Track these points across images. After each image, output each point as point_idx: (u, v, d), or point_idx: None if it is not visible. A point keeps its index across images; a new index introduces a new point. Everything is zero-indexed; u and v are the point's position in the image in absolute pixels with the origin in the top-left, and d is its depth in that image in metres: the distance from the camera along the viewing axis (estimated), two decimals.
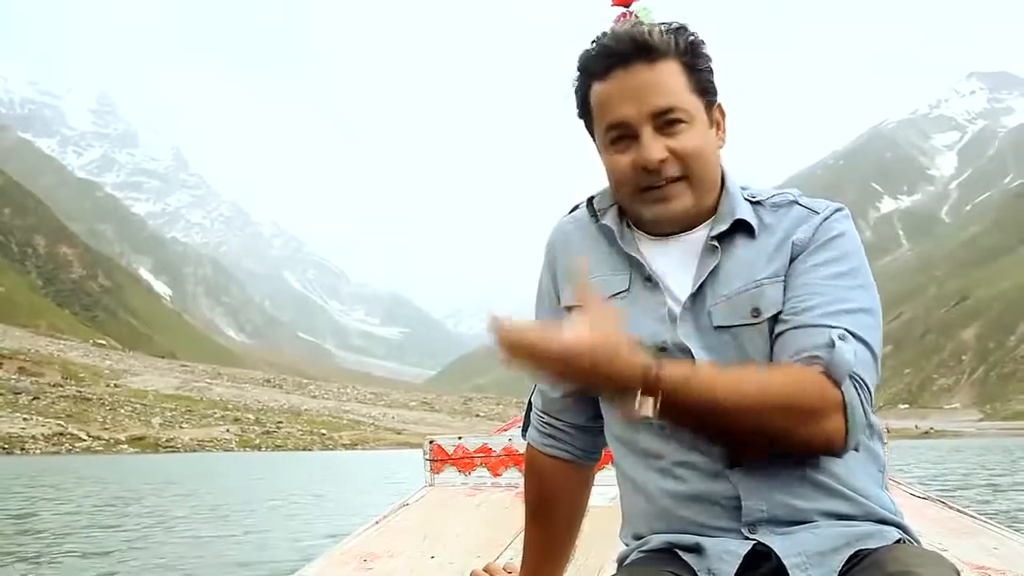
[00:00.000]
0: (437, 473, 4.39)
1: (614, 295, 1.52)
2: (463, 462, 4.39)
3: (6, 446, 74.52)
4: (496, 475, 4.35)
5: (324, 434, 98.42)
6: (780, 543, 1.34)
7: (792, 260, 1.45)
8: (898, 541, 1.40)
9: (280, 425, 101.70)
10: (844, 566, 1.32)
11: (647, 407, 1.28)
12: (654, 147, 1.44)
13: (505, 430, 4.75)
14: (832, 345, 1.35)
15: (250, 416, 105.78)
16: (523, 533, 1.77)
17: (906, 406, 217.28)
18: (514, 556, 2.06)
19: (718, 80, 1.49)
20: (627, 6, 1.58)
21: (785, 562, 1.32)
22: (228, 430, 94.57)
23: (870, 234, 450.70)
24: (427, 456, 4.42)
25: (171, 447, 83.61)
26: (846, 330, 1.37)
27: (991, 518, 3.21)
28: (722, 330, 1.44)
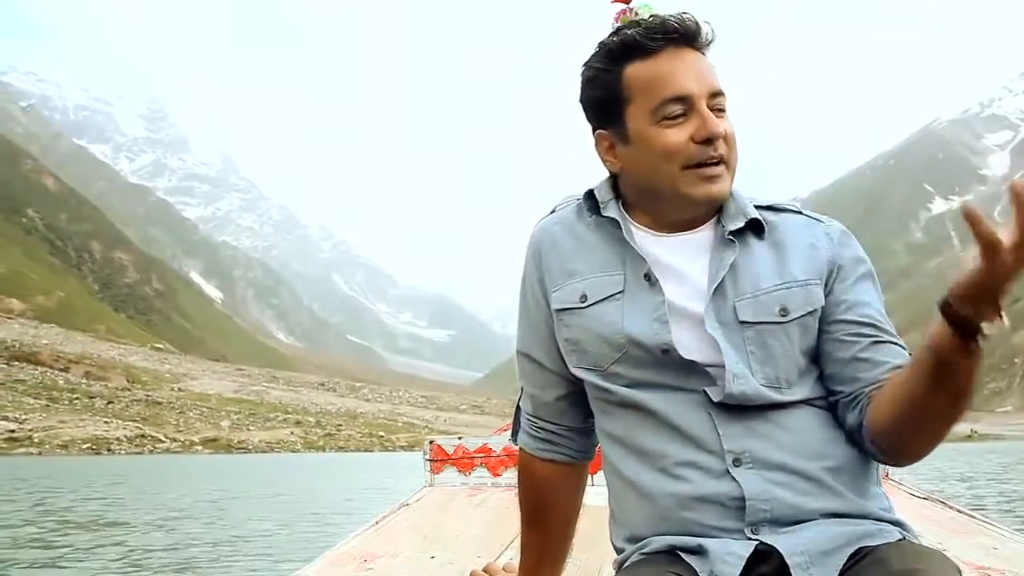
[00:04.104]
0: (437, 473, 4.38)
1: (610, 296, 1.49)
2: (463, 462, 4.37)
3: (94, 447, 78.48)
4: (496, 475, 4.34)
5: (383, 436, 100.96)
6: (783, 542, 1.34)
7: (832, 271, 1.48)
8: (898, 540, 1.39)
9: (340, 428, 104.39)
10: (845, 564, 1.32)
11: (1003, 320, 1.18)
12: (718, 120, 1.44)
13: (505, 430, 4.60)
14: None
15: (310, 419, 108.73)
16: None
17: None
18: (514, 556, 2.06)
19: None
20: (627, 2, 1.56)
21: (788, 561, 1.31)
22: (292, 432, 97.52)
23: (921, 235, 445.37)
24: (427, 456, 4.40)
25: (243, 448, 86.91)
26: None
27: (990, 517, 3.25)
28: (746, 325, 1.44)
